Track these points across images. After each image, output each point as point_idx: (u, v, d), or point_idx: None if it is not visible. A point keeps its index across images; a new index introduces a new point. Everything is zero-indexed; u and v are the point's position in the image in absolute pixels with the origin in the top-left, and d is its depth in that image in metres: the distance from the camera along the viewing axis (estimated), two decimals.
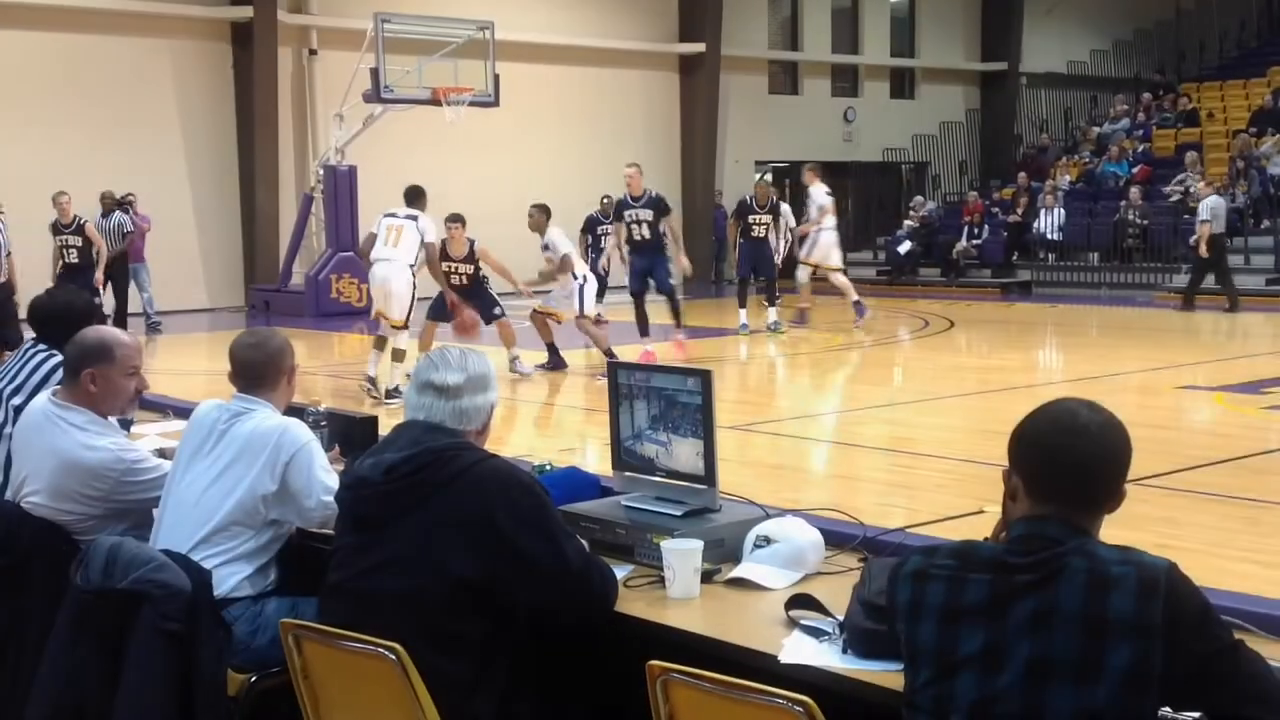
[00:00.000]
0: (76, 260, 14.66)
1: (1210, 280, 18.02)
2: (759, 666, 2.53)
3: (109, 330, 3.95)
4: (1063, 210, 22.43)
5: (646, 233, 13.26)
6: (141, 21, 19.86)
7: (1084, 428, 2.19)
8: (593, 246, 16.61)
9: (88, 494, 3.65)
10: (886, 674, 2.41)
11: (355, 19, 19.69)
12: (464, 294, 11.48)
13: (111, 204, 16.54)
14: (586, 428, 9.97)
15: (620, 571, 3.07)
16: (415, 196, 11.26)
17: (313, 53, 21.65)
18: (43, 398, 3.86)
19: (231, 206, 20.94)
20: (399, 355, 10.92)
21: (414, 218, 11.04)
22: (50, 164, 18.68)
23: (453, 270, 11.66)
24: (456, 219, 11.83)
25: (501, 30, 19.54)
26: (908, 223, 24.30)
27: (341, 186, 19.34)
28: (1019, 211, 23.42)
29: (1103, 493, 2.20)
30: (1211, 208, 17.86)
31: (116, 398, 3.79)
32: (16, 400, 4.28)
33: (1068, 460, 2.17)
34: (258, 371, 3.61)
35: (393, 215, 11.15)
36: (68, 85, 19.22)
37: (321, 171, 19.72)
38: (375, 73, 18.19)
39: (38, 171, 18.54)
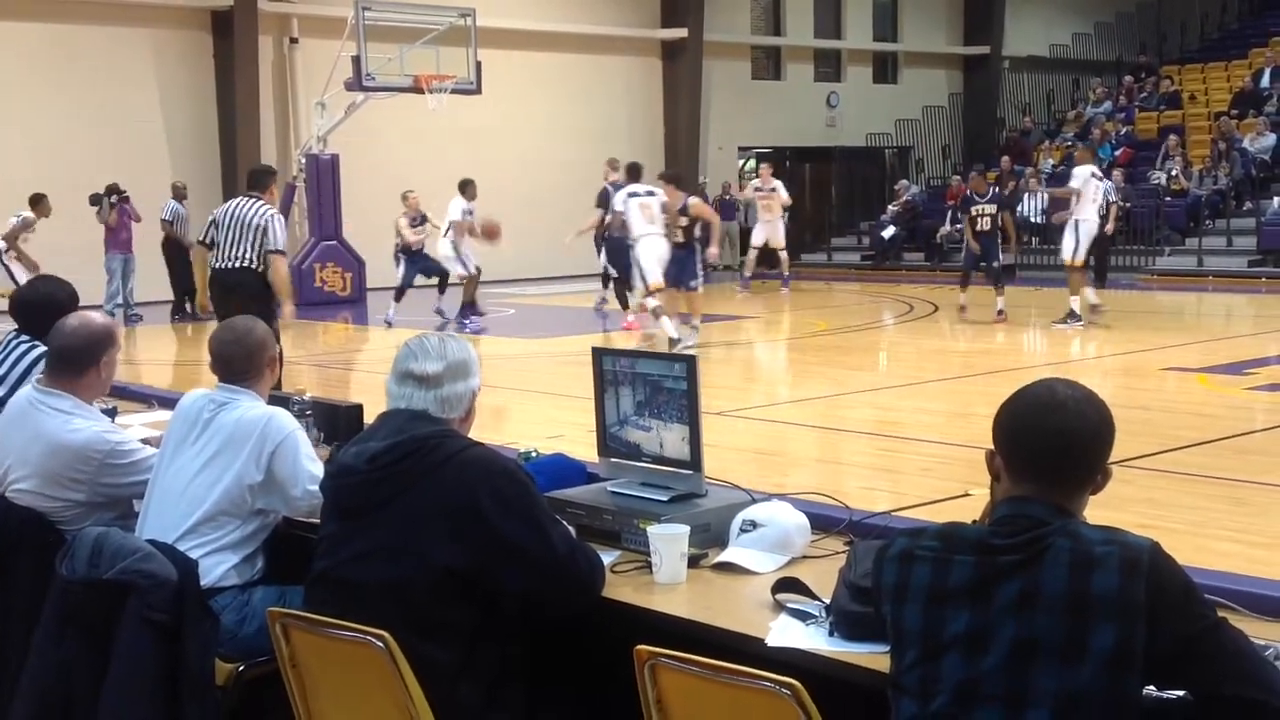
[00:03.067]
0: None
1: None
2: (746, 650, 2.54)
3: (94, 315, 3.99)
4: (1046, 194, 22.45)
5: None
6: (121, 11, 19.75)
7: (1060, 404, 2.19)
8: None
9: (74, 477, 3.64)
10: (873, 656, 2.42)
11: (336, 7, 19.61)
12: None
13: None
14: (572, 414, 9.97)
15: (607, 557, 3.08)
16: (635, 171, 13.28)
17: (294, 41, 21.55)
18: (26, 389, 3.86)
19: (213, 196, 20.81)
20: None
21: (653, 192, 12.86)
22: (31, 154, 18.59)
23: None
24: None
25: (483, 17, 19.48)
26: (891, 207, 24.33)
27: (324, 175, 19.29)
28: (1004, 195, 23.43)
29: (1083, 469, 2.20)
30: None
31: (112, 377, 3.91)
32: (0, 391, 4.27)
33: (1044, 436, 2.18)
34: (239, 367, 3.61)
35: (636, 194, 12.78)
36: (48, 75, 19.10)
37: (304, 160, 19.66)
38: (357, 61, 18.13)
39: (17, 162, 18.44)
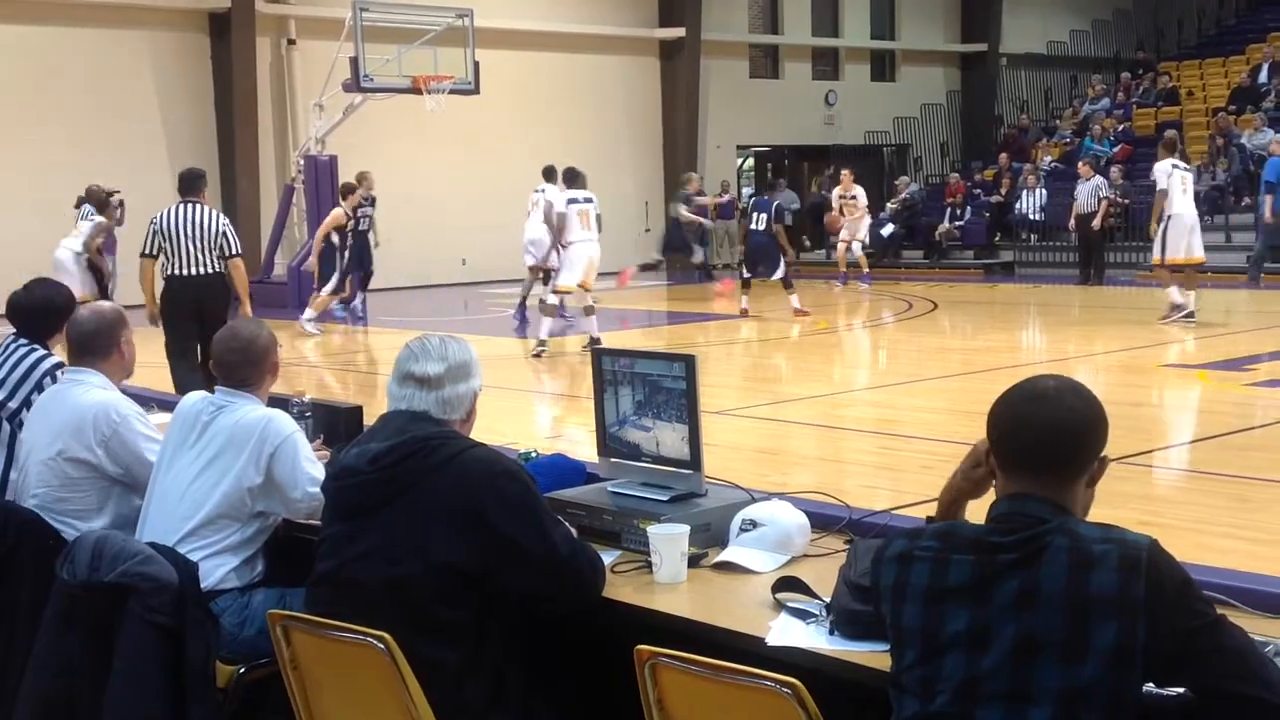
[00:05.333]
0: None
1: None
2: (747, 649, 2.54)
3: (102, 303, 4.34)
4: (1044, 190, 22.46)
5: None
6: (118, 13, 19.74)
7: (1043, 394, 2.22)
8: None
9: (94, 438, 3.73)
10: (873, 655, 2.42)
11: (333, 8, 19.59)
12: None
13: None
14: (571, 414, 9.98)
15: (607, 557, 3.08)
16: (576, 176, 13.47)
17: (291, 42, 21.53)
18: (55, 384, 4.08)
19: (212, 198, 20.75)
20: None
21: (591, 199, 13.07)
22: (28, 158, 18.58)
23: None
24: None
25: (481, 17, 19.46)
26: (890, 205, 24.32)
27: (322, 176, 19.24)
28: (1001, 192, 23.46)
29: (1073, 460, 2.20)
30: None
31: (134, 358, 4.16)
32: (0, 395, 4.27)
33: (1031, 428, 2.20)
34: (242, 374, 3.62)
35: (575, 200, 12.95)
36: (45, 79, 19.08)
37: (302, 162, 19.62)
38: (354, 62, 18.10)
39: (17, 166, 18.45)
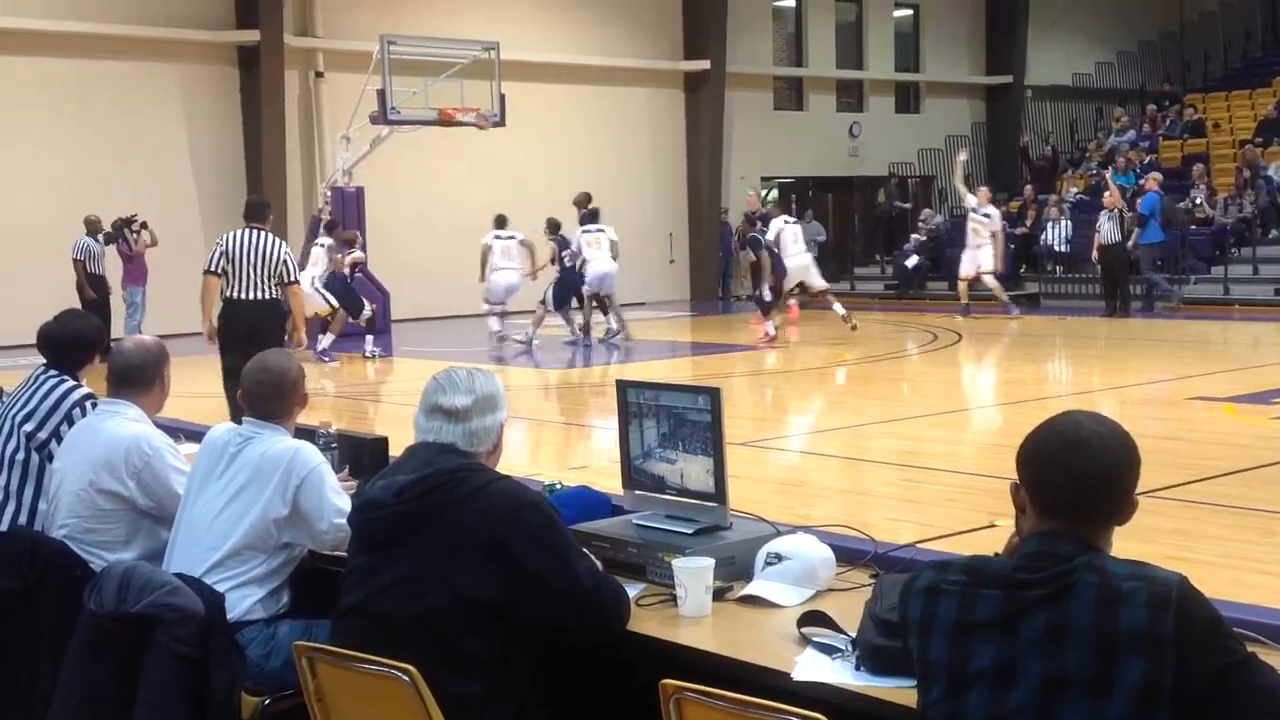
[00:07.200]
0: None
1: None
2: (772, 684, 2.53)
3: (145, 336, 4.40)
4: (1069, 222, 22.39)
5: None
6: (148, 46, 19.95)
7: (1084, 442, 2.18)
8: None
9: (127, 470, 3.76)
10: (900, 690, 2.41)
11: (361, 41, 19.76)
12: None
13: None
14: (596, 445, 9.97)
15: (632, 590, 3.07)
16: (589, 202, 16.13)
17: (319, 75, 21.71)
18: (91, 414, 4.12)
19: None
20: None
21: (602, 230, 15.63)
22: (59, 189, 18.76)
23: None
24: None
25: (507, 50, 19.61)
26: (915, 236, 24.27)
27: (349, 207, 19.36)
28: (1026, 224, 23.40)
29: (1108, 508, 2.20)
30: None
31: (169, 391, 4.19)
32: (28, 426, 4.29)
33: (1070, 477, 2.17)
34: (272, 407, 3.64)
35: (587, 230, 15.62)
36: (76, 110, 19.29)
37: (329, 193, 19.75)
38: (381, 94, 18.25)
39: (48, 196, 18.63)
